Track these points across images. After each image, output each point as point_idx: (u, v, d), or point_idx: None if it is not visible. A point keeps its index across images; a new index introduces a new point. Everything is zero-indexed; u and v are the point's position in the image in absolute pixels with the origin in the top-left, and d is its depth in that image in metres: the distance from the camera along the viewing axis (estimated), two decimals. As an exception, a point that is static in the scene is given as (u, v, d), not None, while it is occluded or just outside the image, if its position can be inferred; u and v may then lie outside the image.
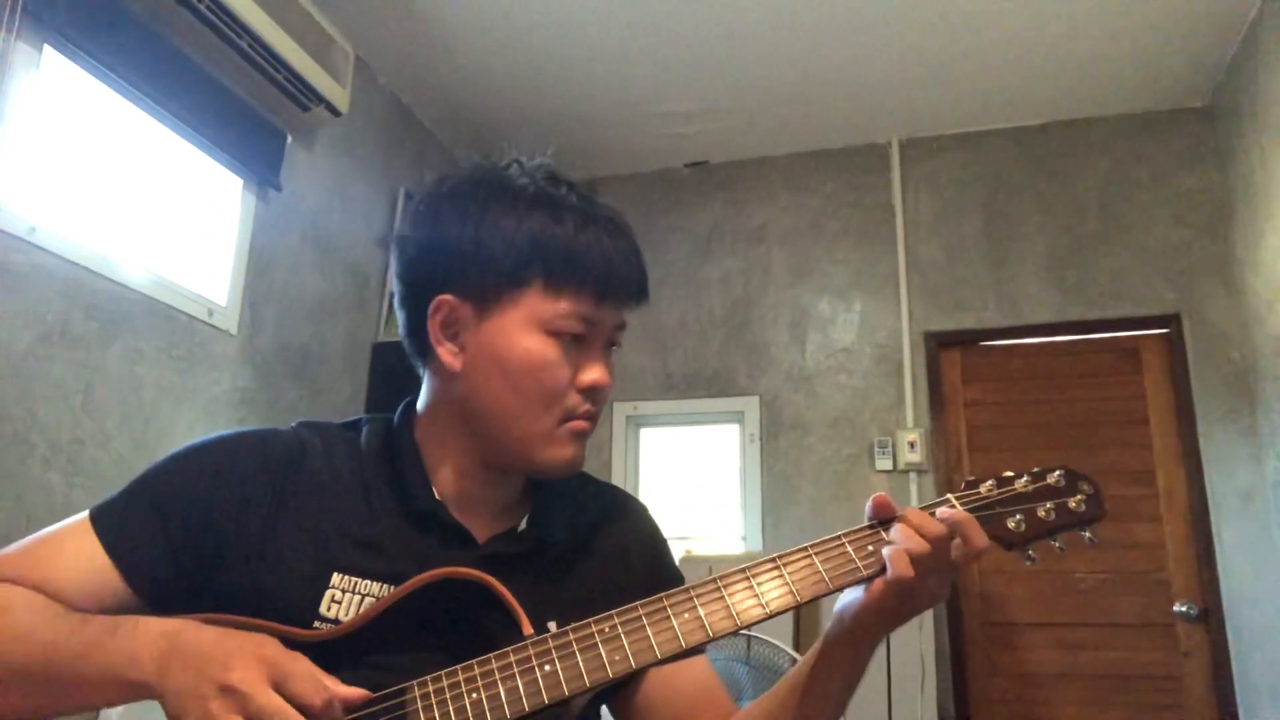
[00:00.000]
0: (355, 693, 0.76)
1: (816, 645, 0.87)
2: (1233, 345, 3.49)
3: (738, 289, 4.15)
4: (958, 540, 0.83)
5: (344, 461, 0.93)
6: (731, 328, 4.11)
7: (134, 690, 0.76)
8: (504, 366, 0.88)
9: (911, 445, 3.69)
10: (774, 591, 0.83)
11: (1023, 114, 3.90)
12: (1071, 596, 3.50)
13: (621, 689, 0.95)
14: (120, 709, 0.82)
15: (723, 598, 0.82)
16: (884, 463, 3.72)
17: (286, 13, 2.88)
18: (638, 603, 0.83)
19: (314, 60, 3.00)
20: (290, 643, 0.78)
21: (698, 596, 0.83)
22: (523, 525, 0.96)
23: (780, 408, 3.95)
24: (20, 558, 0.84)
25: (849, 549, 0.85)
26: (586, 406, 0.91)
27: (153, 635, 0.77)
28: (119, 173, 2.54)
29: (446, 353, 0.90)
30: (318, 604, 0.85)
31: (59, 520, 0.87)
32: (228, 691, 0.71)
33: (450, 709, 0.78)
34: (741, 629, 0.81)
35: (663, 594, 0.83)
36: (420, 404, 0.97)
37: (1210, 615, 3.35)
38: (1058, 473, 0.90)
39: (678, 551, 3.68)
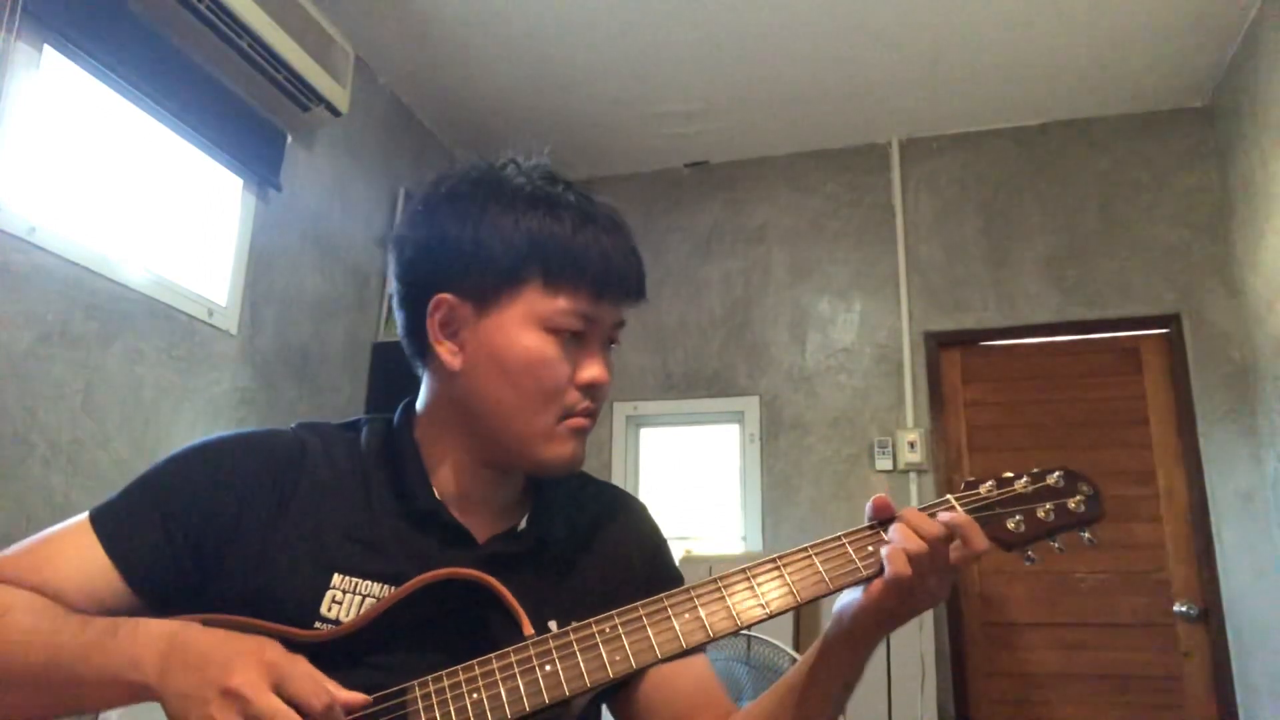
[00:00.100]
0: (356, 697, 0.76)
1: (815, 646, 0.87)
2: (1233, 345, 3.49)
3: (738, 289, 4.15)
4: (957, 541, 0.83)
5: (344, 462, 0.93)
6: (731, 328, 4.11)
7: (135, 692, 0.76)
8: (503, 364, 0.88)
9: (911, 445, 3.69)
10: (774, 592, 0.83)
11: (1023, 114, 3.90)
12: (1071, 596, 3.50)
13: (621, 689, 0.95)
14: (120, 710, 0.82)
15: (723, 598, 0.83)
16: (884, 463, 3.72)
17: (286, 13, 2.88)
18: (638, 603, 0.83)
19: (314, 60, 3.00)
20: (290, 643, 0.78)
21: (698, 597, 0.83)
22: (522, 525, 0.96)
23: (780, 408, 3.95)
24: (20, 559, 0.84)
25: (849, 549, 0.85)
26: (586, 404, 0.91)
27: (154, 637, 0.77)
28: (119, 173, 2.54)
29: (446, 351, 0.90)
30: (318, 605, 0.85)
31: (59, 520, 0.87)
32: (229, 694, 0.71)
33: (451, 709, 0.78)
34: (742, 629, 0.81)
35: (663, 594, 0.83)
36: (419, 404, 0.97)
37: (1210, 615, 3.35)
38: (1057, 473, 0.91)
39: (678, 551, 3.68)
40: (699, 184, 4.34)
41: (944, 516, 0.84)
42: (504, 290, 0.88)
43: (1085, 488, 0.90)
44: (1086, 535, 0.90)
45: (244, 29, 2.70)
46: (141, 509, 0.86)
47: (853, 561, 0.84)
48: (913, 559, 0.80)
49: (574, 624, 0.82)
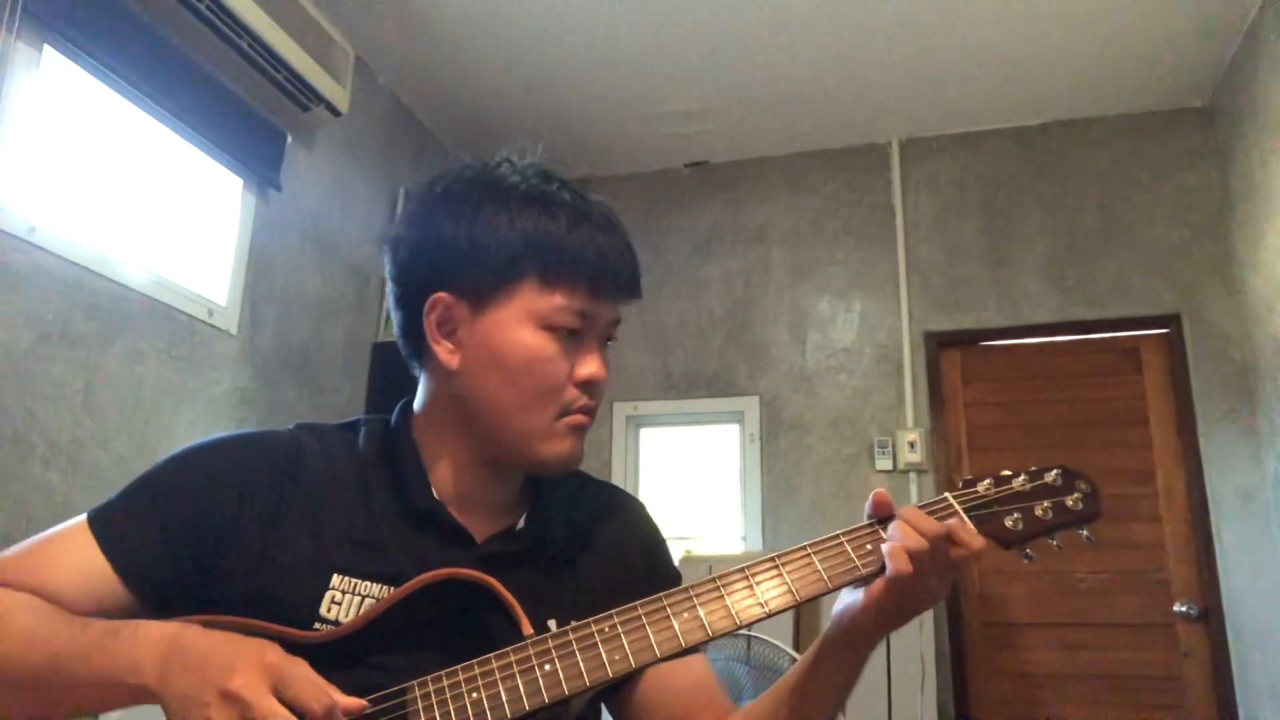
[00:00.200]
0: (355, 702, 0.76)
1: (815, 646, 0.87)
2: (1233, 345, 3.49)
3: (738, 289, 4.15)
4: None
5: (342, 462, 0.93)
6: (731, 328, 4.11)
7: (135, 694, 0.76)
8: (501, 362, 0.88)
9: (911, 445, 3.69)
10: (773, 591, 0.83)
11: (1023, 114, 3.90)
12: (1071, 596, 3.50)
13: (620, 688, 0.95)
14: (120, 712, 0.82)
15: (722, 597, 0.83)
16: (884, 463, 3.72)
17: (286, 13, 2.88)
18: (637, 602, 0.83)
19: (314, 60, 3.00)
20: (290, 644, 0.78)
21: (697, 596, 0.83)
22: (521, 524, 0.96)
23: (780, 408, 3.95)
24: (18, 561, 0.84)
25: (848, 548, 0.85)
26: (584, 401, 0.91)
27: (154, 639, 0.77)
28: (119, 173, 2.54)
29: (443, 351, 0.90)
30: (317, 605, 0.85)
31: (59, 520, 0.87)
32: (228, 697, 0.72)
33: (450, 708, 0.78)
34: (741, 628, 0.81)
35: (662, 594, 0.83)
36: (417, 404, 0.97)
37: (1210, 615, 3.35)
38: (1055, 471, 0.91)
39: (678, 551, 3.70)
40: (699, 184, 4.34)
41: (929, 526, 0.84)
42: (500, 289, 0.88)
43: (1083, 485, 0.90)
44: (1085, 533, 0.90)
45: (244, 29, 2.70)
46: (140, 510, 0.86)
47: (851, 560, 0.84)
48: (913, 557, 0.80)
49: (573, 623, 0.82)
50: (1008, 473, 0.91)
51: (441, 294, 0.90)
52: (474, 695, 0.78)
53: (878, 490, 0.87)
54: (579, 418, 0.91)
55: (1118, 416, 3.62)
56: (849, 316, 3.98)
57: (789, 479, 3.86)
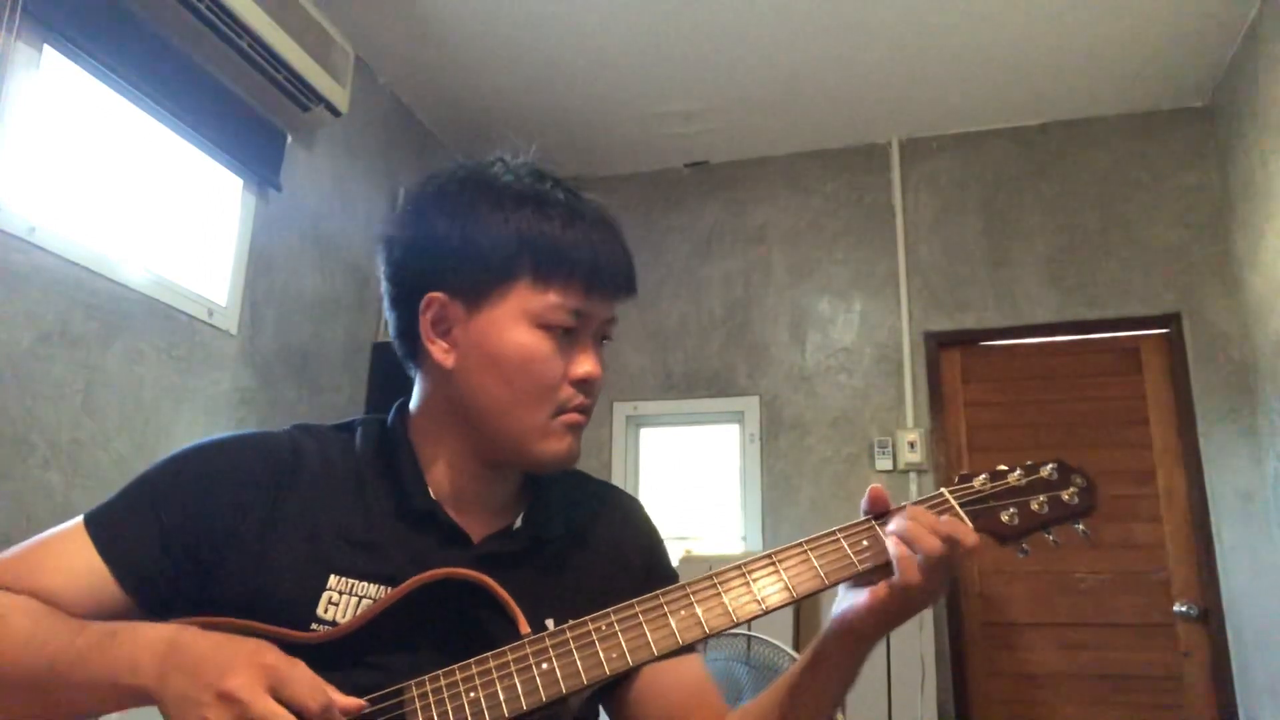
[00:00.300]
0: (353, 702, 0.76)
1: (812, 646, 0.87)
2: (1233, 345, 3.49)
3: (738, 289, 4.15)
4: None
5: (339, 463, 0.93)
6: (731, 328, 4.11)
7: (133, 696, 0.76)
8: (496, 361, 0.88)
9: (911, 445, 3.69)
10: (770, 588, 0.83)
11: (1023, 114, 3.90)
12: (1071, 596, 3.50)
13: (617, 687, 0.95)
14: (118, 715, 0.82)
15: (719, 595, 0.83)
16: (884, 463, 3.72)
17: (286, 13, 2.88)
18: (634, 601, 0.83)
19: (314, 60, 3.00)
20: (287, 645, 0.78)
21: (694, 594, 0.83)
22: (518, 523, 0.95)
23: (780, 408, 3.95)
24: (16, 564, 0.84)
25: (844, 545, 0.85)
26: (580, 399, 0.91)
27: (151, 641, 0.77)
28: (119, 173, 2.54)
29: (438, 350, 0.90)
30: (314, 606, 0.84)
31: (59, 520, 0.87)
32: (225, 698, 0.71)
33: (448, 708, 0.78)
34: (738, 625, 0.81)
35: (659, 592, 0.83)
36: (413, 404, 0.97)
37: (1210, 615, 3.35)
38: (1050, 466, 0.91)
39: (678, 551, 3.70)
40: (699, 184, 4.34)
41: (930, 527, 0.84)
42: (494, 288, 0.88)
43: (1079, 480, 0.90)
44: (1080, 527, 0.90)
45: (244, 29, 2.70)
46: (136, 512, 0.86)
47: (848, 556, 0.84)
48: (923, 566, 0.80)
49: (570, 622, 0.82)
50: (1003, 468, 0.91)
51: (436, 294, 0.90)
52: (472, 695, 0.78)
53: (874, 486, 0.87)
54: (575, 416, 0.91)
55: (1118, 416, 3.62)
56: (849, 316, 3.98)
57: (789, 479, 3.86)
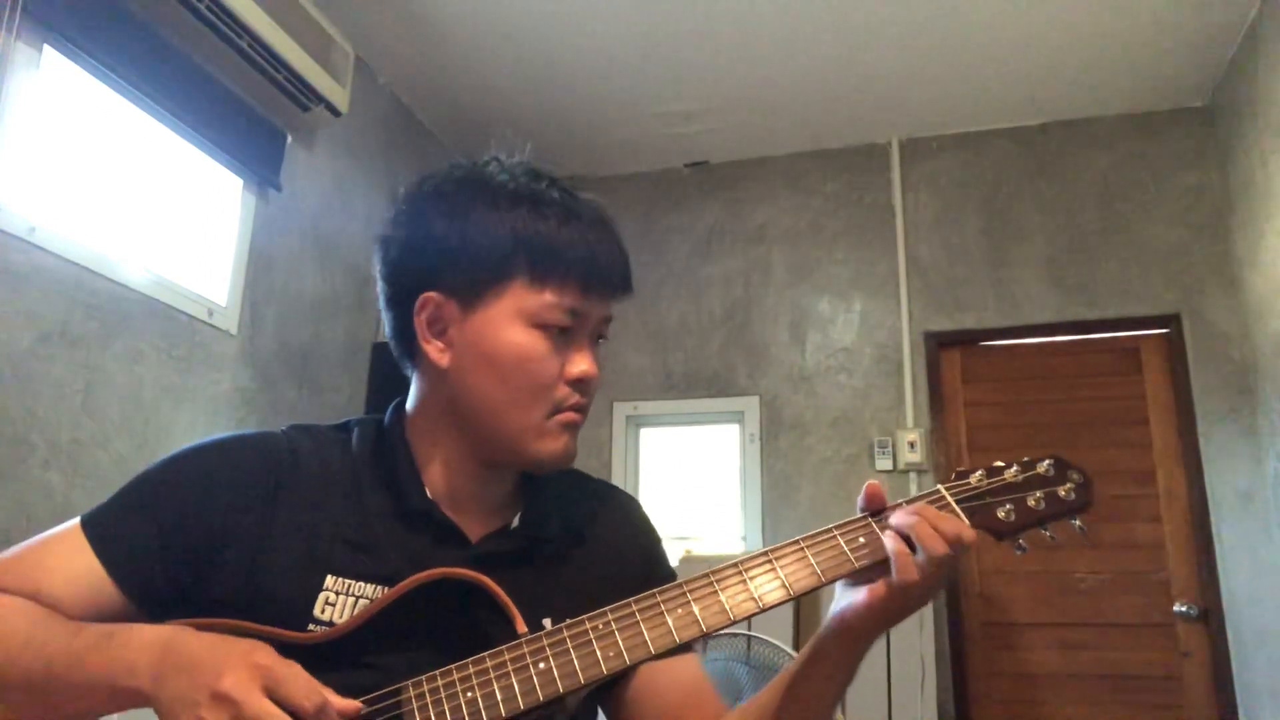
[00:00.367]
0: (350, 704, 0.76)
1: (811, 644, 0.87)
2: (1233, 345, 3.48)
3: (738, 289, 4.15)
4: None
5: (336, 463, 0.93)
6: (731, 328, 4.11)
7: (129, 698, 0.76)
8: (492, 361, 0.88)
9: (911, 445, 3.69)
10: (767, 586, 0.83)
11: (1023, 114, 3.90)
12: (1071, 596, 3.50)
13: (614, 686, 0.95)
14: (116, 716, 0.82)
15: (716, 593, 0.82)
16: (884, 463, 3.72)
17: (286, 13, 2.88)
18: (631, 599, 0.83)
19: (314, 60, 3.00)
20: (284, 646, 0.78)
21: (691, 592, 0.83)
22: (515, 523, 0.95)
23: (780, 408, 3.95)
24: (13, 566, 0.84)
25: (841, 542, 0.84)
26: (576, 398, 0.91)
27: (147, 643, 0.77)
28: (119, 173, 2.54)
29: (434, 350, 0.90)
30: (311, 607, 0.84)
31: (59, 521, 0.87)
32: (220, 698, 0.71)
33: (445, 708, 0.78)
34: (735, 623, 0.81)
35: (656, 590, 0.83)
36: (410, 404, 0.97)
37: (1210, 615, 3.35)
38: (1047, 462, 0.91)
39: (678, 551, 3.70)
40: (699, 184, 4.34)
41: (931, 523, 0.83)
42: (490, 287, 0.88)
43: (1075, 475, 0.90)
44: (1077, 523, 0.90)
45: (244, 29, 2.70)
46: (133, 514, 0.86)
47: (844, 553, 0.84)
48: (920, 565, 0.80)
49: (567, 621, 0.82)
50: (1000, 464, 0.91)
51: (431, 293, 0.90)
52: (469, 694, 0.78)
53: (871, 483, 0.87)
54: (571, 415, 0.91)
55: (1118, 416, 3.62)
56: (849, 316, 3.98)
57: (789, 479, 3.86)
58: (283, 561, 0.85)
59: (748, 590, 0.82)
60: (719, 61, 3.56)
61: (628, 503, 1.08)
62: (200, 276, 2.79)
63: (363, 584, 0.86)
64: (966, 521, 0.85)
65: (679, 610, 0.82)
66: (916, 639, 3.19)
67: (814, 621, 3.16)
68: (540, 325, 0.88)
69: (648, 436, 4.25)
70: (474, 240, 0.88)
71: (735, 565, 0.84)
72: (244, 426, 2.85)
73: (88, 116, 2.46)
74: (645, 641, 0.80)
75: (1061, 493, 0.89)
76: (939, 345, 3.86)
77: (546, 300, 0.88)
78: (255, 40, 2.75)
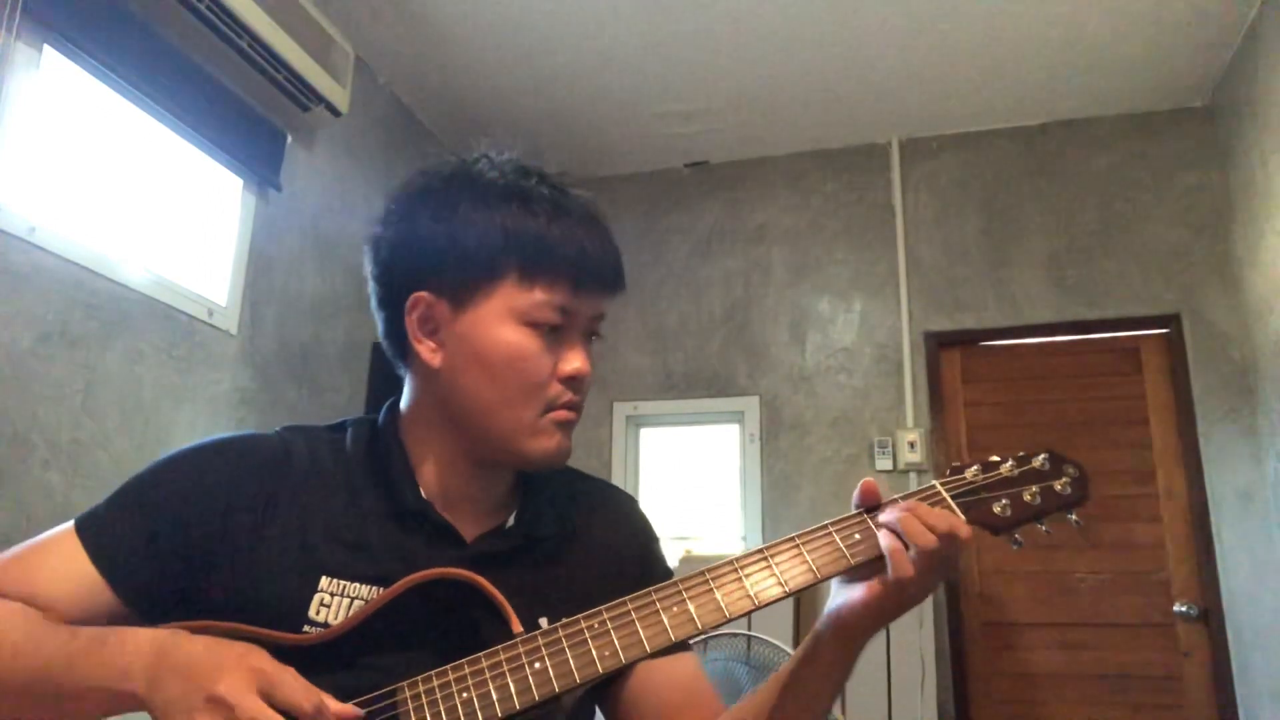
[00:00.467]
0: (347, 710, 0.76)
1: (807, 642, 0.87)
2: (1233, 345, 3.48)
3: (738, 289, 4.15)
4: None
5: (329, 464, 0.92)
6: (731, 328, 4.11)
7: (123, 702, 0.76)
8: (483, 360, 0.88)
9: (911, 445, 3.69)
10: (763, 583, 0.83)
11: (1023, 114, 3.90)
12: (1071, 596, 3.50)
13: (611, 685, 0.95)
14: (112, 720, 0.82)
15: (711, 591, 0.82)
16: (884, 463, 3.72)
17: (286, 13, 2.88)
18: (626, 598, 0.83)
19: (314, 60, 3.00)
20: (280, 647, 0.78)
21: (686, 590, 0.83)
22: (510, 522, 0.95)
23: (780, 408, 3.95)
24: (6, 570, 0.84)
25: (836, 538, 0.84)
26: (569, 396, 0.90)
27: (142, 646, 0.77)
28: (119, 173, 2.54)
29: (426, 350, 0.90)
30: (306, 608, 0.84)
31: (59, 521, 0.87)
32: (215, 702, 0.71)
33: (441, 709, 0.78)
34: (731, 620, 0.81)
35: (652, 589, 0.83)
36: (403, 404, 0.97)
37: (1210, 615, 3.35)
38: (1043, 456, 0.91)
39: (678, 551, 3.70)
40: (699, 184, 4.34)
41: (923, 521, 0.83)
42: (480, 286, 0.88)
43: (1071, 470, 0.90)
44: (1073, 517, 0.90)
45: (244, 29, 2.70)
46: (127, 516, 0.86)
47: (840, 550, 0.84)
48: (916, 561, 0.80)
49: (563, 620, 0.82)
50: (996, 458, 0.91)
51: (422, 293, 0.89)
52: (464, 695, 0.78)
53: (866, 480, 0.87)
54: (565, 413, 0.90)
55: (1118, 416, 3.62)
56: (849, 316, 3.98)
57: (789, 479, 3.86)
58: (277, 563, 0.85)
59: (744, 588, 0.82)
60: (719, 61, 3.57)
61: (624, 501, 1.07)
62: (200, 276, 2.79)
63: (358, 585, 0.86)
64: (962, 517, 0.85)
65: (675, 609, 0.81)
66: (916, 638, 3.19)
67: (813, 621, 3.15)
68: (531, 324, 0.88)
69: (648, 436, 4.25)
70: (463, 239, 0.88)
71: (731, 563, 0.84)
72: (244, 426, 2.85)
73: (88, 116, 2.46)
74: (641, 640, 0.80)
75: (1057, 487, 0.89)
76: (939, 345, 3.86)
77: (537, 298, 0.87)
78: (255, 40, 2.75)
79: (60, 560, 0.83)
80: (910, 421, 3.76)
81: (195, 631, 0.78)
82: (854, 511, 0.87)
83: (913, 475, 3.69)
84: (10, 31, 2.13)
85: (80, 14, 2.32)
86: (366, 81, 3.57)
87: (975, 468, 0.90)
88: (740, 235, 4.21)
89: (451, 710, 0.78)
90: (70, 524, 0.86)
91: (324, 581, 0.85)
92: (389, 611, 0.82)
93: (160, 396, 2.56)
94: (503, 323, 0.87)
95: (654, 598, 0.82)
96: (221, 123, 2.81)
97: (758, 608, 0.82)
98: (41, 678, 0.77)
